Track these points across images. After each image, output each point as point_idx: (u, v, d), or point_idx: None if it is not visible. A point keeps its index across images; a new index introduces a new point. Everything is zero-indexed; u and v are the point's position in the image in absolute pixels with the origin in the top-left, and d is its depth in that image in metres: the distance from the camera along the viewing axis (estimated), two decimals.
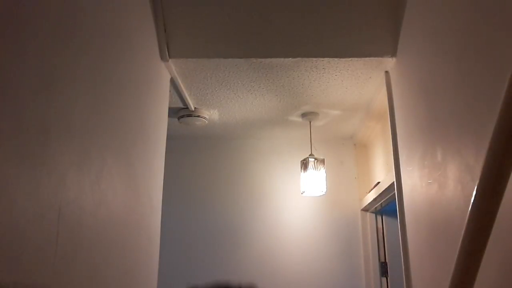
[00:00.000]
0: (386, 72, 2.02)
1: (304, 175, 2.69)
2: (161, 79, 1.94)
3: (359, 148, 3.09)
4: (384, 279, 2.79)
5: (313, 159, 2.67)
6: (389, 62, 1.93)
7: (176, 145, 2.79)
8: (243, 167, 3.06)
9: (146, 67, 1.72)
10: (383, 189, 2.39)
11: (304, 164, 2.70)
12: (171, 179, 2.22)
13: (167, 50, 1.86)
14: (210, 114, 2.60)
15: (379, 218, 2.92)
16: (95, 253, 1.17)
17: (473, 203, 0.80)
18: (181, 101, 2.38)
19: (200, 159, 3.08)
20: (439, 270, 1.36)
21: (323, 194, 2.75)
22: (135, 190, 1.53)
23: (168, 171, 2.01)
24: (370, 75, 2.07)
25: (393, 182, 1.91)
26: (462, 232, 0.82)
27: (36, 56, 0.89)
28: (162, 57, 1.86)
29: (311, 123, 2.68)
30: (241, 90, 2.25)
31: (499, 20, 1.01)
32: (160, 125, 1.91)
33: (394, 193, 1.88)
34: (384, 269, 2.79)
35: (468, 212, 0.80)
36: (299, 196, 2.90)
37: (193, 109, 2.48)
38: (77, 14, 1.09)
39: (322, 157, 2.71)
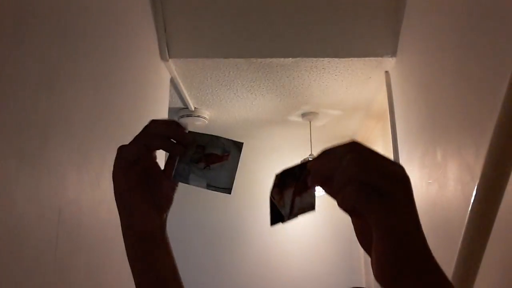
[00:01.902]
0: (386, 72, 2.02)
1: None
2: (161, 79, 1.94)
3: None
4: None
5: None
6: (389, 62, 1.92)
7: None
8: (243, 167, 3.05)
9: (146, 67, 1.72)
10: None
11: None
12: None
13: (167, 50, 1.86)
14: (210, 114, 2.60)
15: None
16: (95, 253, 1.17)
17: (473, 203, 0.80)
18: (181, 101, 2.38)
19: None
20: None
21: (323, 194, 2.75)
22: None
23: None
24: (370, 75, 2.07)
25: None
26: (462, 232, 0.82)
27: (36, 56, 0.89)
28: (162, 57, 1.86)
29: (311, 123, 2.68)
30: (241, 90, 2.25)
31: (499, 20, 1.01)
32: None
33: None
34: None
35: (468, 212, 0.80)
36: None
37: (193, 109, 2.48)
38: (77, 14, 1.09)
39: None
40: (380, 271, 0.38)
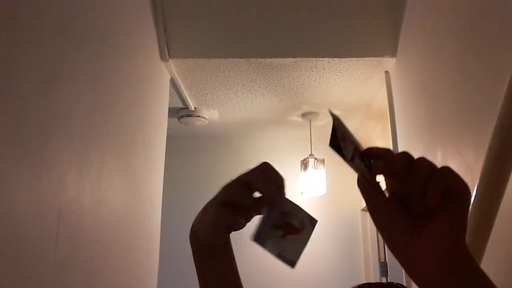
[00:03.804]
0: (386, 72, 2.02)
1: (304, 175, 2.69)
2: (161, 79, 1.94)
3: None
4: (384, 279, 2.79)
5: (313, 159, 2.67)
6: (389, 62, 1.92)
7: (176, 145, 2.79)
8: (243, 167, 3.04)
9: (146, 67, 1.72)
10: (383, 189, 2.39)
11: (304, 164, 2.70)
12: (171, 179, 2.22)
13: (167, 50, 1.86)
14: (210, 114, 2.60)
15: None
16: (95, 253, 1.17)
17: (473, 203, 0.80)
18: (181, 101, 2.38)
19: (200, 159, 3.08)
20: None
21: (323, 194, 2.75)
22: (135, 190, 1.53)
23: (168, 171, 2.01)
24: (370, 75, 2.07)
25: None
26: None
27: (36, 56, 0.89)
28: (162, 57, 1.86)
29: (311, 123, 2.68)
30: (241, 90, 2.25)
31: (499, 20, 1.01)
32: (160, 125, 1.91)
33: None
34: (384, 269, 2.79)
35: (468, 212, 0.80)
36: (299, 196, 2.90)
37: (193, 109, 2.48)
38: (77, 14, 1.09)
39: (322, 157, 2.71)
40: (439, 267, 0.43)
